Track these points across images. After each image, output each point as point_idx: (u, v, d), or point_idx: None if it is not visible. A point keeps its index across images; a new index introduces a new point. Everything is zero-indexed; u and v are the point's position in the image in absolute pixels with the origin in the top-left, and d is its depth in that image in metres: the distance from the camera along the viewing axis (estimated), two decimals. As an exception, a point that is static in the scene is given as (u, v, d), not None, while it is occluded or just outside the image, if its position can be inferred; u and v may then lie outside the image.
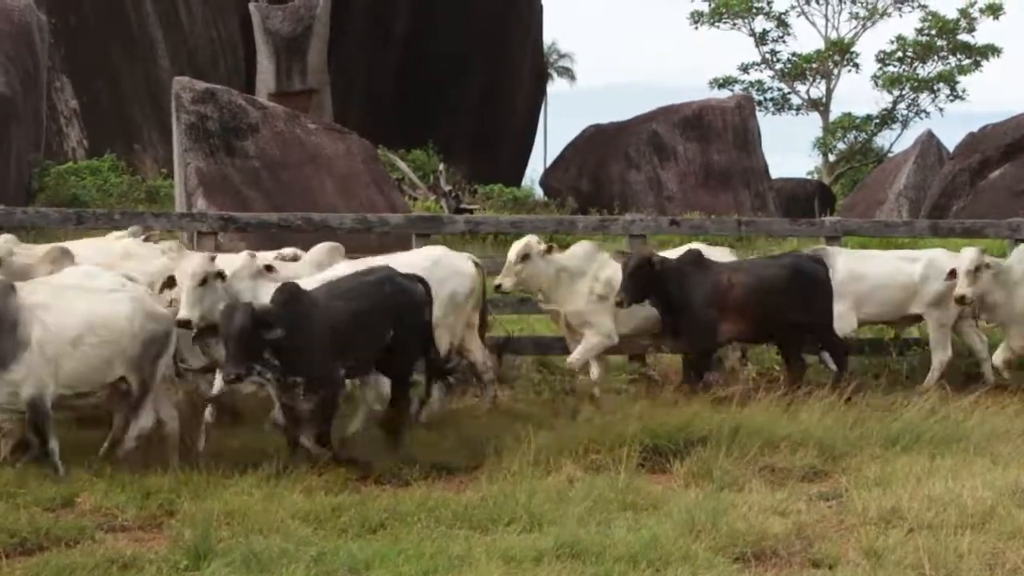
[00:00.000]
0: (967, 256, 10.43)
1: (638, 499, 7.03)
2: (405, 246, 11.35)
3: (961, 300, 10.37)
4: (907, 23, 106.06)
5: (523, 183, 36.19)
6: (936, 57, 45.68)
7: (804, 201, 33.17)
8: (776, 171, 34.19)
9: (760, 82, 47.46)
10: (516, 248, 9.95)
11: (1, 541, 6.24)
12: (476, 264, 9.70)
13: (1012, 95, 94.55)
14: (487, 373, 9.82)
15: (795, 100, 47.42)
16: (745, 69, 47.49)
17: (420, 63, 33.79)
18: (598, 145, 31.95)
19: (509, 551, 5.99)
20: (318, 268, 9.18)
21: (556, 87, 72.01)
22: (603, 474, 7.47)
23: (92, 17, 31.26)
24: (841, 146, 46.58)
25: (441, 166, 29.03)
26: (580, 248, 10.25)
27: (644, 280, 9.62)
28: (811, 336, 10.18)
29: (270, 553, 5.93)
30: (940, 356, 10.91)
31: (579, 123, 46.54)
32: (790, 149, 70.81)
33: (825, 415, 8.70)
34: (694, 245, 10.77)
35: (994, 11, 44.54)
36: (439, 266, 9.36)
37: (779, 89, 47.52)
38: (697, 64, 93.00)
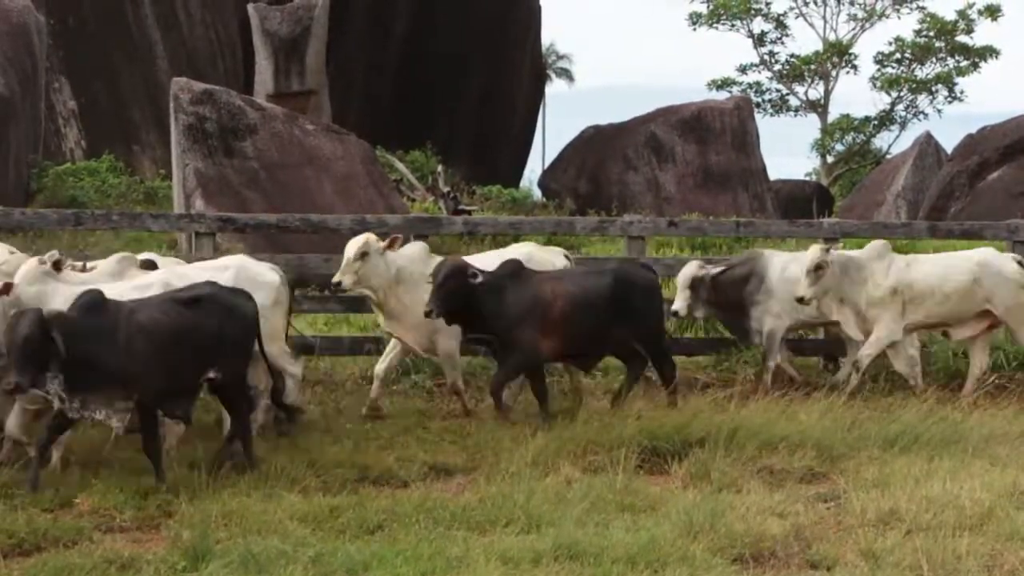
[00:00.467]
0: (807, 255, 10.22)
1: (636, 500, 7.03)
2: (403, 247, 11.33)
3: (800, 300, 10.21)
4: (905, 25, 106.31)
5: (521, 184, 36.24)
6: (934, 59, 45.67)
7: (802, 202, 33.17)
8: (774, 172, 34.21)
9: (758, 83, 47.46)
10: (354, 245, 9.46)
11: (-1, 542, 6.25)
12: (279, 273, 9.15)
13: (1010, 97, 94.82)
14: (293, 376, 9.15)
15: (793, 101, 47.44)
16: (743, 70, 47.51)
17: (419, 64, 33.80)
18: (596, 146, 31.94)
19: (507, 552, 6.00)
20: (112, 278, 8.65)
21: (554, 88, 71.99)
22: (601, 475, 7.47)
23: (91, 18, 31.26)
24: (839, 147, 46.57)
25: (439, 167, 29.01)
26: (413, 249, 9.75)
27: (456, 292, 9.03)
28: (641, 345, 9.52)
29: (268, 554, 5.93)
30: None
31: (577, 124, 46.57)
32: (788, 150, 70.94)
33: (823, 416, 8.71)
34: (524, 246, 10.45)
35: (992, 13, 44.55)
36: (241, 275, 8.79)
37: (777, 90, 47.53)
38: (695, 65, 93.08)
